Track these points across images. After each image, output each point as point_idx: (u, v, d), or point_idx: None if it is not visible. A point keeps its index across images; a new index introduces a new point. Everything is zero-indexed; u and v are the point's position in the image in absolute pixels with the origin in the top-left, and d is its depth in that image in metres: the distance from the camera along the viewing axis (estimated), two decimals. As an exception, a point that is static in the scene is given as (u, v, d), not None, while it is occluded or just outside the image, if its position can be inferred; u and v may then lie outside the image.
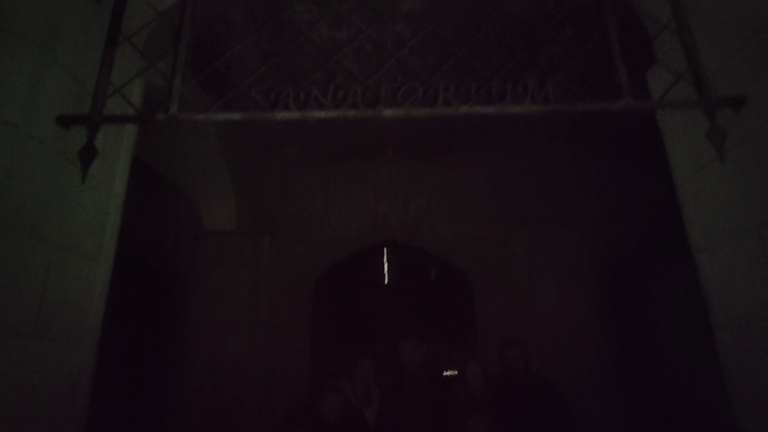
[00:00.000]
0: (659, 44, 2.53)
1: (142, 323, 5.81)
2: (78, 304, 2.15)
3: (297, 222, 6.60)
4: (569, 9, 2.49)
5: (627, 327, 5.99)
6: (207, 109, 2.07)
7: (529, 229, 6.15)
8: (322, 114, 2.03)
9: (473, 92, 2.05)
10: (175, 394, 5.59)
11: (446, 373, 3.77)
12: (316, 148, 6.54)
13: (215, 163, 5.88)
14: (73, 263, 2.07)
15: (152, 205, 6.04)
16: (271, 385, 5.89)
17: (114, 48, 2.13)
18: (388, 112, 2.04)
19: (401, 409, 3.37)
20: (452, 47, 2.22)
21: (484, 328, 5.85)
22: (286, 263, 6.41)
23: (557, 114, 2.07)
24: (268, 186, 6.59)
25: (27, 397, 1.80)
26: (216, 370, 5.65)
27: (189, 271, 6.09)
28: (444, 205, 6.52)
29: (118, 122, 2.16)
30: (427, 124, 5.72)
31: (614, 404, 5.39)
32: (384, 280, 6.57)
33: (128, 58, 2.36)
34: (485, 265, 6.18)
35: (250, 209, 6.31)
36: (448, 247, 6.39)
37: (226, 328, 5.85)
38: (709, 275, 2.45)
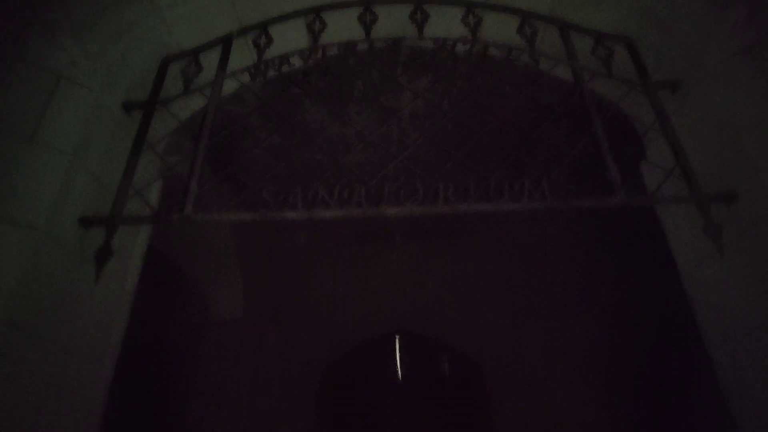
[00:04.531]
0: (648, 141, 2.68)
1: (144, 415, 5.59)
2: (78, 408, 2.12)
3: (304, 309, 6.55)
4: (563, 108, 2.67)
5: (648, 418, 5.63)
6: (220, 209, 2.18)
7: (543, 318, 6.00)
8: (328, 213, 2.13)
9: (472, 191, 2.15)
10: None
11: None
12: (325, 233, 6.67)
13: (225, 251, 6.00)
14: (77, 367, 2.07)
15: (158, 292, 6.06)
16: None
17: (138, 155, 2.30)
18: (390, 211, 2.13)
19: None
20: (452, 147, 2.37)
21: (500, 424, 5.52)
22: (292, 353, 6.26)
23: (554, 211, 2.16)
24: (276, 272, 6.63)
25: None
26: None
27: (192, 360, 5.95)
28: (454, 292, 6.46)
29: (136, 223, 2.27)
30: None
31: None
32: (393, 371, 6.36)
33: (149, 161, 2.54)
34: (499, 356, 5.97)
35: (258, 296, 6.31)
36: (460, 336, 6.23)
37: (229, 422, 5.61)
38: (727, 374, 2.39)
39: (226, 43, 2.69)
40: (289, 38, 2.85)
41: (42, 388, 1.91)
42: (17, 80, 2.06)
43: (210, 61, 2.67)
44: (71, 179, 2.03)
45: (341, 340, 6.30)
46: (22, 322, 1.79)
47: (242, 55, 2.82)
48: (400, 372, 6.22)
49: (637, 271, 5.79)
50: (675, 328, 5.40)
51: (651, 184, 2.81)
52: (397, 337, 6.47)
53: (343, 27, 2.82)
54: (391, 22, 2.82)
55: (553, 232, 6.17)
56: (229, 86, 2.72)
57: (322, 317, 6.43)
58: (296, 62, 2.72)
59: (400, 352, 6.45)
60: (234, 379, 5.86)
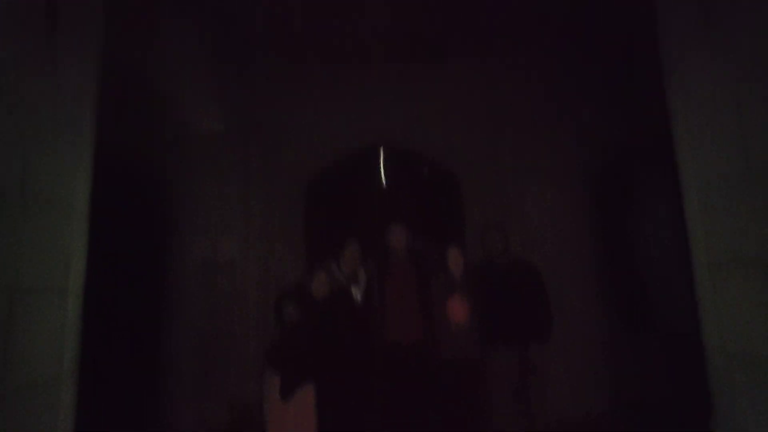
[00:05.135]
0: None
1: (134, 227, 5.86)
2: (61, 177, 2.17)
3: (285, 127, 6.48)
4: None
5: (609, 229, 6.15)
6: None
7: (519, 132, 6.09)
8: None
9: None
10: (172, 293, 5.82)
11: (430, 258, 3.94)
12: (301, 52, 6.27)
13: (197, 65, 5.69)
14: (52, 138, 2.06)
15: (135, 110, 5.87)
16: (266, 284, 6.12)
17: None
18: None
19: (386, 289, 3.58)
20: None
21: (473, 225, 5.99)
22: (277, 167, 6.38)
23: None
24: (252, 91, 6.40)
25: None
26: (211, 270, 5.85)
27: (178, 175, 6.07)
28: (434, 109, 6.39)
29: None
30: (416, 25, 5.58)
31: (590, 300, 5.68)
32: (375, 181, 6.66)
33: None
34: (474, 167, 6.21)
35: (236, 114, 6.19)
36: (438, 149, 6.39)
37: (219, 230, 5.97)
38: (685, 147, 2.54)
39: None
40: None
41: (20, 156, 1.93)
42: None
43: None
44: None
45: (323, 154, 6.40)
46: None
47: None
48: (384, 182, 6.49)
49: (621, 90, 5.72)
50: (651, 145, 5.53)
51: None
52: (381, 149, 6.62)
53: None
54: None
55: (540, 56, 5.96)
56: None
57: (303, 134, 6.41)
58: None
59: (383, 163, 6.65)
60: (220, 194, 6.06)
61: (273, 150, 6.36)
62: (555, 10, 5.24)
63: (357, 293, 3.53)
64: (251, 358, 5.59)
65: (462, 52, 6.17)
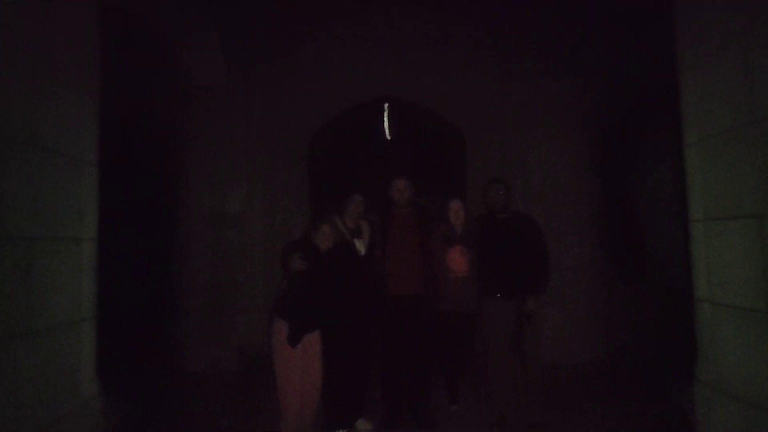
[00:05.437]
0: None
1: (143, 179, 5.92)
2: (69, 127, 2.21)
3: (289, 78, 6.40)
4: None
5: (612, 182, 6.14)
6: None
7: (524, 81, 5.98)
8: None
9: None
10: (181, 244, 5.96)
11: (432, 211, 4.00)
12: (306, 4, 6.09)
13: (201, 17, 5.55)
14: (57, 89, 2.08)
15: (138, 61, 5.78)
16: (272, 235, 6.26)
17: None
18: None
19: (389, 242, 3.66)
20: None
21: (474, 180, 6.01)
22: (281, 119, 6.37)
23: None
24: (256, 43, 6.27)
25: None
26: (218, 222, 5.96)
27: (184, 128, 6.07)
28: (440, 60, 6.26)
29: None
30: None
31: (587, 253, 5.78)
32: (379, 134, 6.60)
33: None
34: (479, 118, 6.15)
35: (239, 65, 6.09)
36: (443, 101, 6.30)
37: (225, 183, 6.03)
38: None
39: None
40: None
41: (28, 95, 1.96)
42: None
43: None
44: None
45: (328, 107, 6.35)
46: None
47: None
48: (383, 132, 6.44)
49: (629, 47, 5.55)
50: (656, 100, 5.45)
51: None
52: (385, 102, 6.53)
53: None
54: None
55: (548, 5, 5.75)
56: None
57: (307, 86, 6.33)
58: None
59: (387, 117, 6.58)
60: (226, 145, 6.07)
61: (278, 104, 6.30)
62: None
63: (360, 246, 3.61)
64: (259, 305, 5.81)
65: (467, 6, 5.97)
